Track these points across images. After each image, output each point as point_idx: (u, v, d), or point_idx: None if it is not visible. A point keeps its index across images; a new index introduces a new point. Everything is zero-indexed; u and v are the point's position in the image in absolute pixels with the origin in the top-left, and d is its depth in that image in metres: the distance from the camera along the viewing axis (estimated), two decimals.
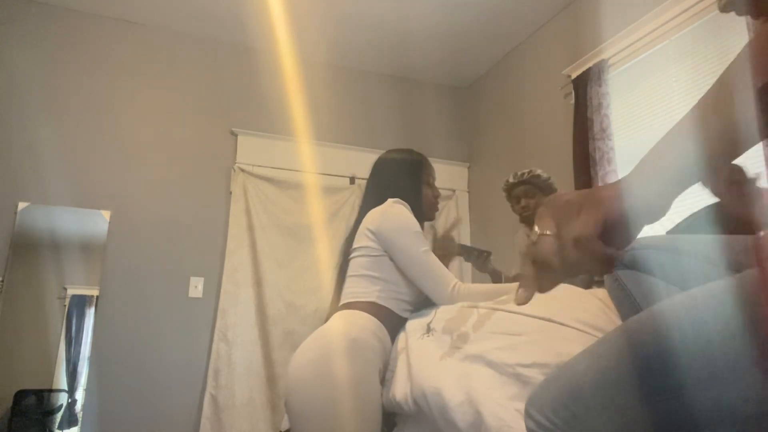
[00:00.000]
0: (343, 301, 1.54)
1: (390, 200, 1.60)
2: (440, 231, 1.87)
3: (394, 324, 1.51)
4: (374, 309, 1.48)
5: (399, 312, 1.53)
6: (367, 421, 1.28)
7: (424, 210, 1.71)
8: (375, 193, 1.69)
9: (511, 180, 2.35)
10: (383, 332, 1.45)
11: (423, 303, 1.60)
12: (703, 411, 0.60)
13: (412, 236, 1.52)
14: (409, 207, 1.60)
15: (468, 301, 1.45)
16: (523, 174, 2.30)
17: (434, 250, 1.83)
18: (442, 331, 1.40)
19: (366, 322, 1.43)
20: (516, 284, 1.59)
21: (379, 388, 1.35)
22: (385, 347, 1.44)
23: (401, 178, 1.70)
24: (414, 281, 1.51)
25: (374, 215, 1.58)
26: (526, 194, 2.30)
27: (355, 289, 1.53)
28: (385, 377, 1.49)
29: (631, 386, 0.65)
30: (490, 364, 1.19)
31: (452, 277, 1.49)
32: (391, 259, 1.53)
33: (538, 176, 2.26)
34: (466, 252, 2.18)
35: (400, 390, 1.38)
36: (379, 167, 1.78)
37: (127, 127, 3.26)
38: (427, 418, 1.31)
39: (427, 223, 1.78)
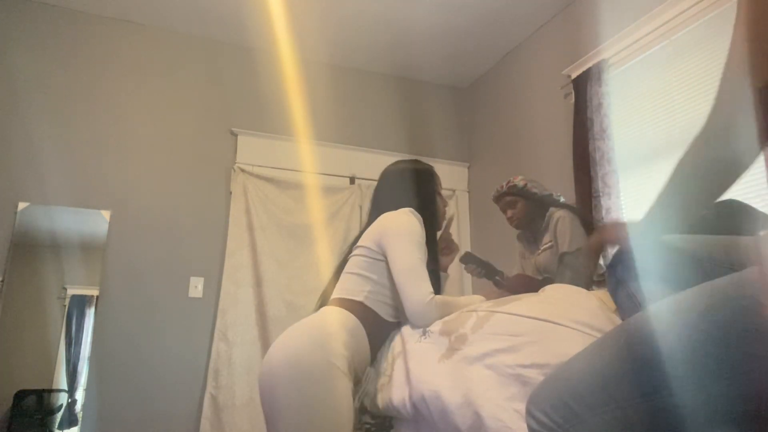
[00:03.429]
0: (334, 295, 1.57)
1: (405, 209, 1.62)
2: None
3: (378, 327, 1.52)
4: (358, 308, 1.50)
5: (385, 316, 1.54)
6: (334, 414, 1.29)
7: (437, 219, 1.74)
8: (386, 202, 1.69)
9: (494, 194, 2.40)
10: (360, 331, 1.47)
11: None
12: (701, 408, 0.60)
13: (413, 242, 1.53)
14: (421, 219, 1.62)
15: (439, 313, 1.47)
16: (501, 187, 2.34)
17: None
18: (439, 333, 1.40)
19: (343, 318, 1.45)
20: (478, 297, 1.60)
21: (348, 381, 1.35)
22: (359, 345, 1.45)
23: (414, 188, 1.72)
24: (396, 284, 1.51)
25: (385, 218, 1.61)
26: (509, 205, 2.35)
27: (347, 285, 1.56)
28: (370, 382, 1.50)
29: (630, 384, 0.65)
30: (489, 365, 1.19)
31: (431, 289, 1.49)
32: (387, 264, 1.54)
33: (514, 185, 2.31)
34: (480, 265, 2.20)
35: (397, 394, 1.37)
36: (391, 177, 1.79)
37: (127, 127, 3.26)
38: (425, 420, 1.31)
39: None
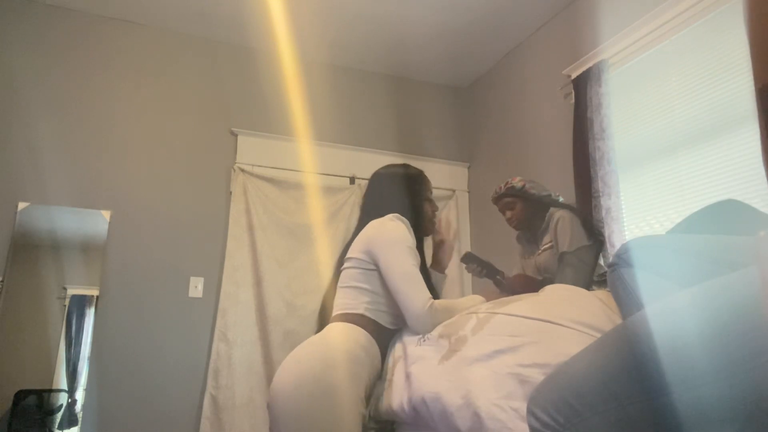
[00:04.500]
0: (335, 312, 1.55)
1: (390, 215, 1.61)
2: (444, 223, 1.90)
3: (382, 336, 1.52)
4: (364, 322, 1.49)
5: (386, 325, 1.54)
6: None
7: (424, 225, 1.73)
8: (374, 207, 1.69)
9: (492, 196, 2.40)
10: (373, 346, 1.47)
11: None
12: (702, 407, 0.60)
13: (404, 250, 1.52)
14: (408, 223, 1.61)
15: (440, 318, 1.46)
16: (500, 188, 2.34)
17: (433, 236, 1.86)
18: (438, 336, 1.40)
19: (357, 335, 1.45)
20: (478, 297, 1.60)
21: (360, 403, 1.35)
22: (373, 361, 1.46)
23: (402, 193, 1.71)
24: (393, 293, 1.50)
25: (371, 227, 1.60)
26: (507, 206, 2.35)
27: (345, 300, 1.55)
28: (374, 390, 1.50)
29: (631, 383, 0.66)
30: (490, 366, 1.19)
31: (429, 295, 1.49)
32: (379, 273, 1.53)
33: (513, 187, 2.31)
34: (481, 265, 2.21)
35: (396, 398, 1.38)
36: (378, 182, 1.78)
37: (128, 127, 3.26)
38: (425, 423, 1.31)
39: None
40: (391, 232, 1.55)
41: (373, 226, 1.60)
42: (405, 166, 1.82)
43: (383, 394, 1.45)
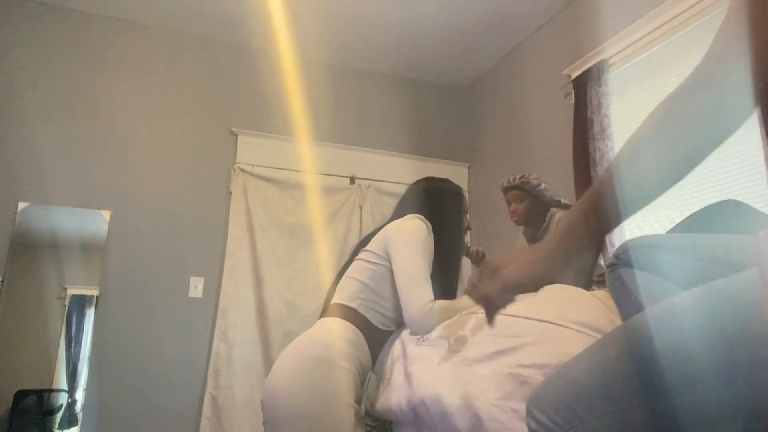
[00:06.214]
0: (334, 299, 1.57)
1: (411, 215, 1.63)
2: None
3: (372, 334, 1.52)
4: (353, 316, 1.50)
5: (377, 324, 1.54)
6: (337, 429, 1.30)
7: (455, 236, 1.73)
8: (406, 212, 1.69)
9: (504, 183, 2.37)
10: (360, 339, 1.48)
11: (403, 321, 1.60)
12: (702, 411, 0.60)
13: (417, 248, 1.53)
14: (429, 225, 1.62)
15: (438, 320, 1.46)
16: (514, 178, 2.32)
17: None
18: (438, 336, 1.40)
19: (345, 331, 1.46)
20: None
21: (351, 397, 1.36)
22: (362, 354, 1.47)
23: (439, 201, 1.72)
24: (398, 289, 1.51)
25: (391, 225, 1.63)
26: (515, 199, 2.33)
27: (345, 290, 1.56)
28: (368, 385, 1.50)
29: (632, 385, 0.65)
30: (489, 366, 1.19)
31: (431, 297, 1.49)
32: (391, 270, 1.54)
33: (528, 182, 2.28)
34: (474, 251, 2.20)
35: (395, 398, 1.37)
36: (418, 192, 1.78)
37: (127, 127, 3.26)
38: (424, 423, 1.31)
39: None
40: (409, 230, 1.57)
41: (394, 224, 1.63)
42: (445, 180, 1.83)
43: (381, 394, 1.45)
